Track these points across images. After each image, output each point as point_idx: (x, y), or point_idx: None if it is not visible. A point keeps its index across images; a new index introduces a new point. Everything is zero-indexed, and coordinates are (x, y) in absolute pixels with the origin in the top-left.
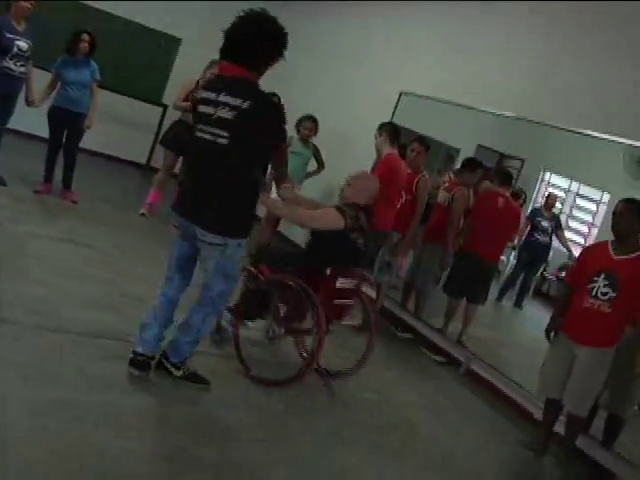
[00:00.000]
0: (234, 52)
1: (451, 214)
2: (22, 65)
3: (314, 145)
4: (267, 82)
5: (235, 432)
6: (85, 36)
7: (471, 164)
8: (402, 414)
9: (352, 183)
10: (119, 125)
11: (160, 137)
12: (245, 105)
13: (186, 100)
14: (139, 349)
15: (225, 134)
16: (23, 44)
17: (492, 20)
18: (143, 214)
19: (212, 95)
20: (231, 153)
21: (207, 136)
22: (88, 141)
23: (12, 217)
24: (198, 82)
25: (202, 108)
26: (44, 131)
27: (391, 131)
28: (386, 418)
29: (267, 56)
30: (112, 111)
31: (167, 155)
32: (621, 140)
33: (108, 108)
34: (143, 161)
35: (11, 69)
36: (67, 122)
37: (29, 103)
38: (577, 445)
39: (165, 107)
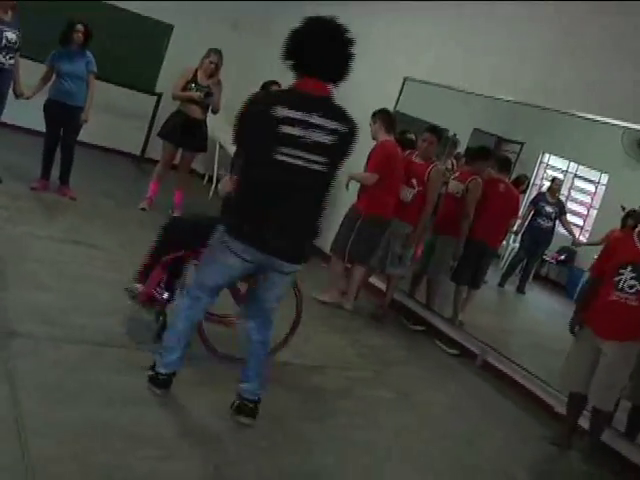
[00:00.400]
0: (324, 69)
1: (466, 205)
2: (11, 57)
3: None
4: (270, 71)
5: (254, 440)
6: (79, 26)
7: (485, 153)
8: (423, 413)
9: None
10: (111, 115)
11: (155, 128)
12: (343, 129)
13: (184, 89)
14: (162, 370)
15: (322, 160)
16: (11, 35)
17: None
18: (143, 209)
19: (298, 115)
20: (325, 180)
21: (298, 161)
22: (81, 133)
23: (10, 217)
24: (197, 71)
25: (286, 129)
26: (40, 125)
27: (385, 118)
28: (406, 418)
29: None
30: (104, 101)
31: (166, 147)
32: (621, 123)
33: (100, 98)
34: (138, 152)
35: (1, 62)
36: (63, 116)
37: (17, 96)
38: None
39: (159, 96)
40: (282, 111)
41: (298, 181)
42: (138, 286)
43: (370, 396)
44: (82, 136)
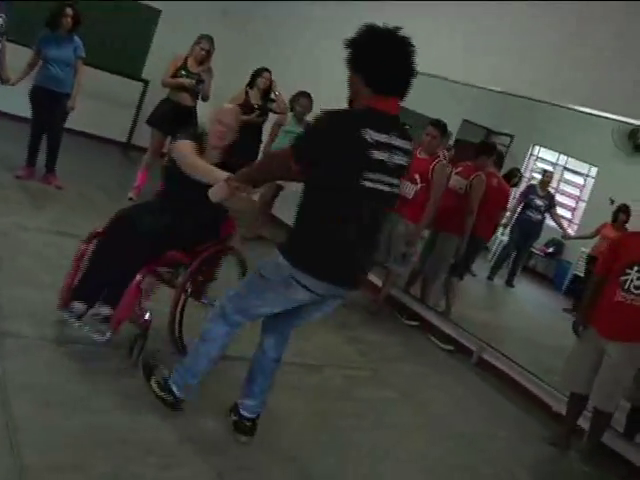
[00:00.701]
0: (402, 87)
1: (471, 202)
2: None
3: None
4: (264, 58)
5: (256, 445)
6: (68, 10)
7: (489, 148)
8: (422, 412)
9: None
10: (97, 101)
11: (142, 114)
12: (411, 147)
13: (174, 76)
14: (179, 394)
15: (397, 182)
16: None
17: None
18: (131, 198)
19: (383, 137)
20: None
21: (383, 187)
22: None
23: None
24: (187, 58)
25: (376, 154)
26: (25, 111)
27: None
28: (406, 418)
29: None
30: (89, 87)
31: (154, 135)
32: (611, 116)
33: (85, 84)
34: (124, 139)
35: None
36: (50, 103)
37: (3, 81)
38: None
39: (146, 83)
40: (372, 134)
41: (380, 206)
42: (80, 305)
43: (370, 396)
44: (66, 122)
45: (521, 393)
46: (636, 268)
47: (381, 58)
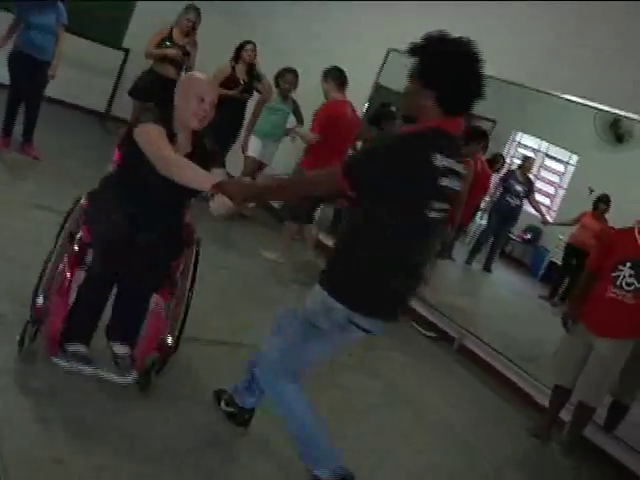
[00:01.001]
0: (469, 106)
1: (461, 192)
2: None
3: (294, 100)
4: (248, 35)
5: (249, 443)
6: None
7: (478, 134)
8: (406, 402)
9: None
10: (75, 70)
11: (121, 84)
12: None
13: (159, 47)
14: (327, 474)
15: (448, 207)
16: None
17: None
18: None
19: (450, 162)
20: None
21: (437, 215)
22: None
23: None
24: (172, 29)
25: (443, 181)
26: (3, 77)
27: (336, 75)
28: (395, 409)
29: None
30: (68, 55)
31: (136, 107)
32: (593, 104)
33: (64, 51)
34: (102, 109)
35: None
36: (30, 70)
37: None
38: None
39: (127, 51)
40: (441, 160)
41: (434, 236)
42: (82, 348)
43: (355, 386)
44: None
45: (502, 382)
46: (628, 264)
47: (461, 79)
